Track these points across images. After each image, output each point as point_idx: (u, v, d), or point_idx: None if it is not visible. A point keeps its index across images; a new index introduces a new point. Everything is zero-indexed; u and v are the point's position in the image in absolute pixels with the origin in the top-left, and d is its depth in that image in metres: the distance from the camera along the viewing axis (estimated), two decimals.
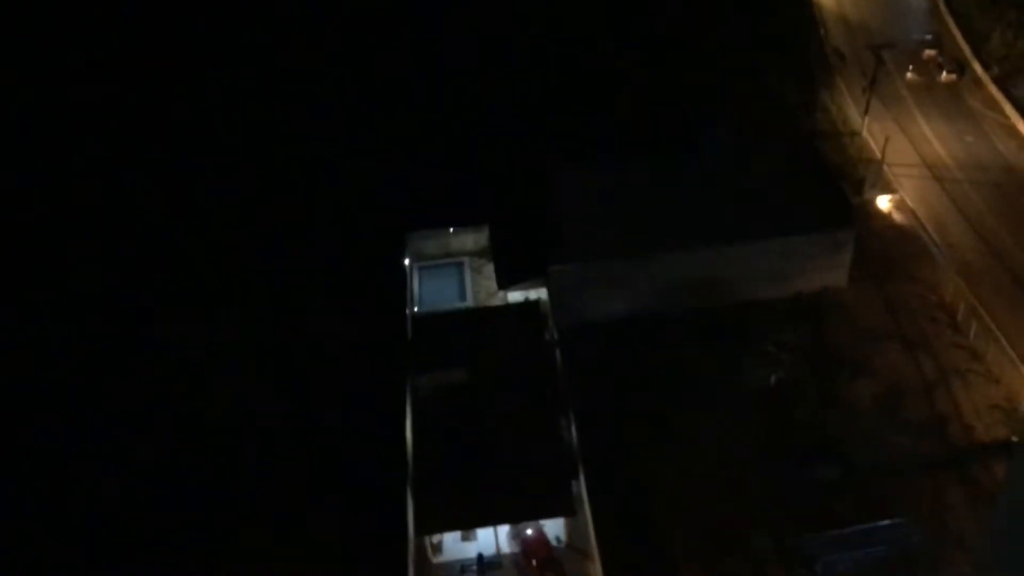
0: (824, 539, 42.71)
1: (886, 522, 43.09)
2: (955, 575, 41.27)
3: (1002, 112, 68.71)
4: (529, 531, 43.65)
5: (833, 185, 56.94)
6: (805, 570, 42.14)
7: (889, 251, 57.95)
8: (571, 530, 43.87)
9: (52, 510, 47.59)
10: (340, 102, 74.96)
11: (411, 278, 56.19)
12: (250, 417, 50.82)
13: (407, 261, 56.76)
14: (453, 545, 43.89)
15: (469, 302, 55.30)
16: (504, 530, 43.88)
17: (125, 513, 47.09)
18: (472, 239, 58.59)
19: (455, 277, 56.93)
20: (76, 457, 49.79)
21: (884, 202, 61.71)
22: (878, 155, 64.29)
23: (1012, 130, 67.10)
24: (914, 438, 47.06)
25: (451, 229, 58.64)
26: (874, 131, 67.15)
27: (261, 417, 50.83)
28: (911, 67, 73.71)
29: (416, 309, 54.51)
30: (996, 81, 70.97)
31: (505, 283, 54.54)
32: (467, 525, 43.44)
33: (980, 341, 51.10)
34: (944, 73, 72.78)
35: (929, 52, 75.13)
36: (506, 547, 43.86)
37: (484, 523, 43.10)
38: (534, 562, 42.76)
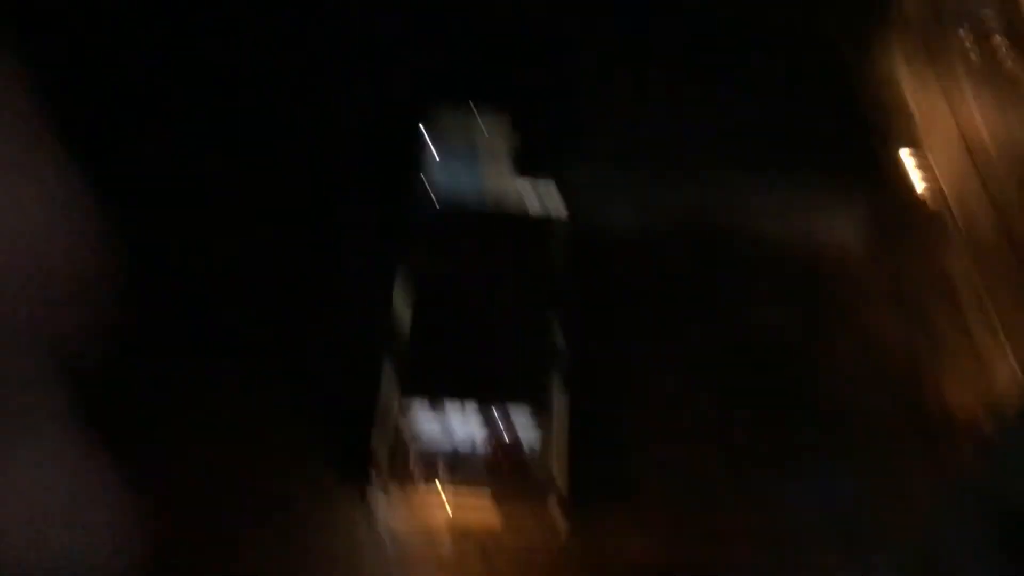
0: None
1: None
2: None
3: None
4: (501, 426, 44.18)
5: (863, 131, 55.84)
6: None
7: (905, 213, 57.32)
8: (544, 439, 44.37)
9: None
10: None
11: (425, 154, 54.95)
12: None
13: (423, 137, 55.37)
14: (423, 420, 44.32)
15: (482, 187, 54.29)
16: (477, 418, 44.37)
17: None
18: (492, 123, 57.05)
19: (470, 159, 55.68)
20: None
21: (909, 161, 60.61)
22: (914, 111, 62.74)
23: None
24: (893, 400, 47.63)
25: (472, 108, 57.07)
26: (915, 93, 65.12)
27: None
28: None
29: (427, 185, 53.56)
30: None
31: (519, 172, 53.69)
32: (439, 396, 43.89)
33: (977, 324, 51.18)
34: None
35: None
36: (476, 435, 44.40)
37: (457, 396, 43.64)
38: (500, 454, 43.48)
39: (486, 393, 43.61)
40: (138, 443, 43.13)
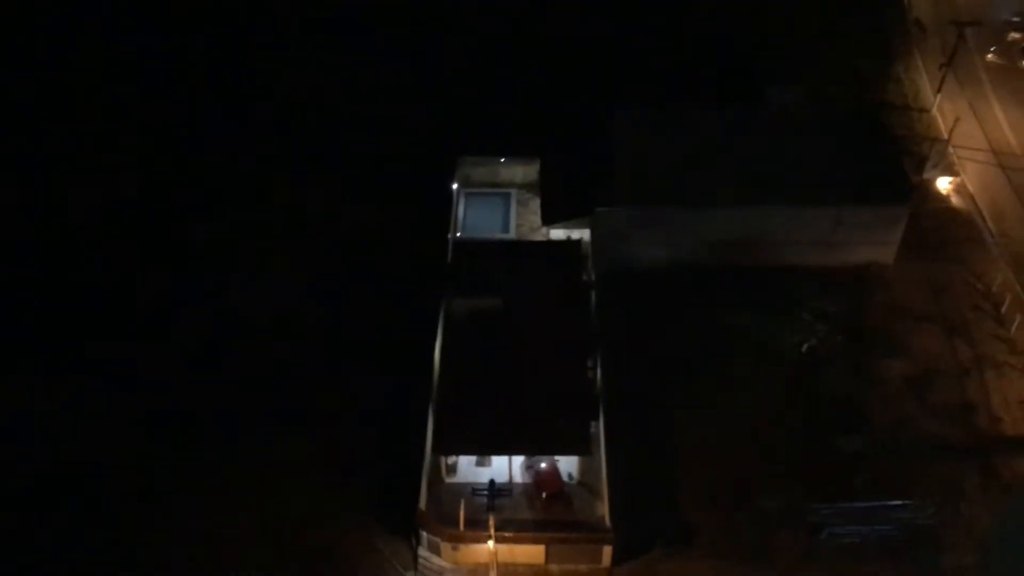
0: (834, 510, 43.15)
1: (898, 501, 43.34)
2: (958, 562, 41.51)
3: None
4: (543, 464, 44.20)
5: (894, 159, 55.90)
6: (810, 536, 42.63)
7: (942, 234, 56.91)
8: (584, 468, 44.34)
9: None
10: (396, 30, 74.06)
11: (457, 203, 56.24)
12: (283, 323, 51.87)
13: (454, 186, 56.71)
14: (467, 468, 44.59)
15: (511, 234, 55.38)
16: (518, 460, 44.50)
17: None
18: (522, 171, 58.34)
19: (500, 207, 56.89)
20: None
21: (944, 183, 60.36)
22: (945, 135, 62.65)
23: None
24: (940, 422, 46.98)
25: (502, 159, 58.38)
26: (945, 110, 65.33)
27: (295, 324, 51.82)
28: (993, 49, 71.30)
29: (458, 234, 54.67)
30: None
31: (549, 219, 54.44)
32: (483, 451, 44.18)
33: (1021, 335, 50.52)
34: None
35: (1015, 35, 72.57)
36: (519, 476, 44.44)
37: (500, 451, 43.81)
38: (544, 495, 43.43)
39: (529, 446, 43.62)
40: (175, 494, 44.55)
